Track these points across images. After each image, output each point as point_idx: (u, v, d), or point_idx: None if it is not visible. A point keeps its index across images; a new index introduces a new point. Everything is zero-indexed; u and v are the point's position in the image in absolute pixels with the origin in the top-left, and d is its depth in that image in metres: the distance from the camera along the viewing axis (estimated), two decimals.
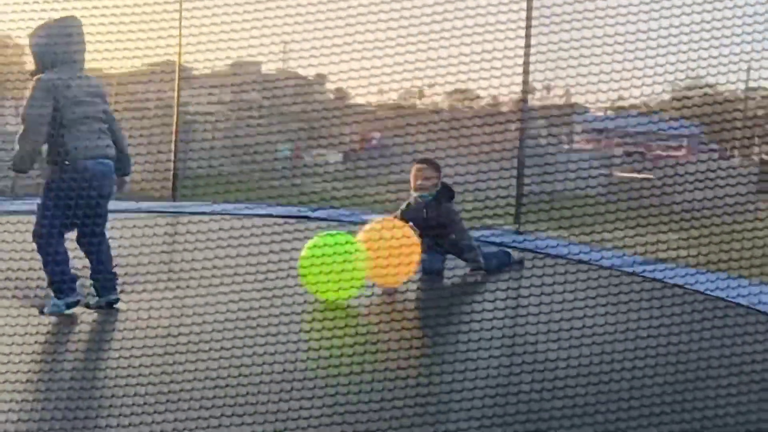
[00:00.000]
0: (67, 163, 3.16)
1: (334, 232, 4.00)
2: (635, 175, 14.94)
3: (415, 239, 4.12)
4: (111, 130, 3.57)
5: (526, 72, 5.00)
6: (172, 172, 5.83)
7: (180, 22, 5.87)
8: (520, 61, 5.09)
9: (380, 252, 3.78)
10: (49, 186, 3.25)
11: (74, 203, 3.12)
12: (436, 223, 4.44)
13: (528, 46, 4.98)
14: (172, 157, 5.97)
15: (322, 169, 15.01)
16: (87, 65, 3.97)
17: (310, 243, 3.80)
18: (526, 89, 5.00)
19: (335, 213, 5.50)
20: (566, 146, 23.44)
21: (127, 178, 3.67)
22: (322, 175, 14.48)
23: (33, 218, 3.29)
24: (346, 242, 3.83)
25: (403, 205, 4.81)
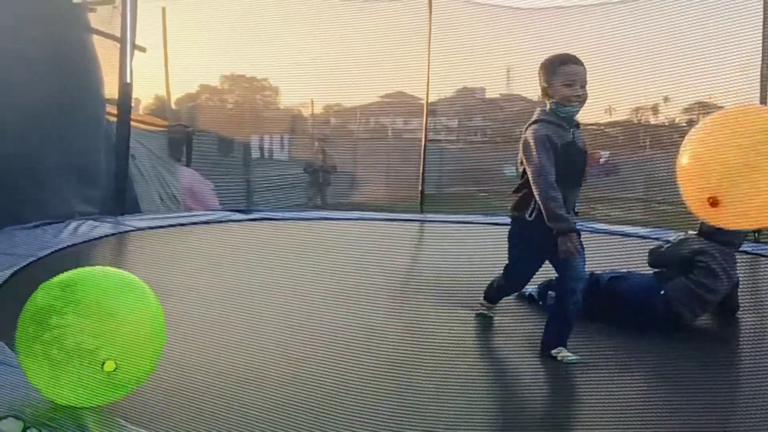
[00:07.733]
0: None
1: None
2: None
3: None
4: None
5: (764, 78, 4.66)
6: (419, 189, 6.81)
7: (429, 55, 6.48)
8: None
9: None
10: None
11: None
12: None
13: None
14: (420, 177, 6.89)
15: None
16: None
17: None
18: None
19: None
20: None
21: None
22: None
23: None
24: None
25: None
